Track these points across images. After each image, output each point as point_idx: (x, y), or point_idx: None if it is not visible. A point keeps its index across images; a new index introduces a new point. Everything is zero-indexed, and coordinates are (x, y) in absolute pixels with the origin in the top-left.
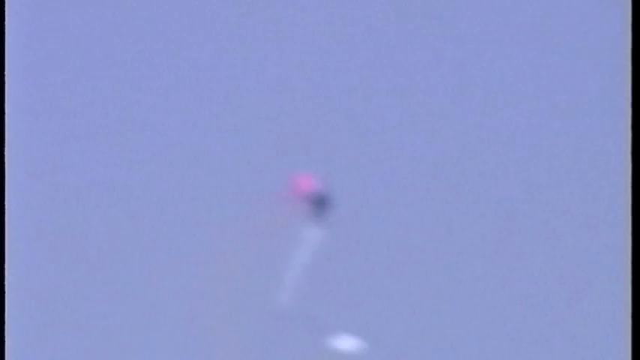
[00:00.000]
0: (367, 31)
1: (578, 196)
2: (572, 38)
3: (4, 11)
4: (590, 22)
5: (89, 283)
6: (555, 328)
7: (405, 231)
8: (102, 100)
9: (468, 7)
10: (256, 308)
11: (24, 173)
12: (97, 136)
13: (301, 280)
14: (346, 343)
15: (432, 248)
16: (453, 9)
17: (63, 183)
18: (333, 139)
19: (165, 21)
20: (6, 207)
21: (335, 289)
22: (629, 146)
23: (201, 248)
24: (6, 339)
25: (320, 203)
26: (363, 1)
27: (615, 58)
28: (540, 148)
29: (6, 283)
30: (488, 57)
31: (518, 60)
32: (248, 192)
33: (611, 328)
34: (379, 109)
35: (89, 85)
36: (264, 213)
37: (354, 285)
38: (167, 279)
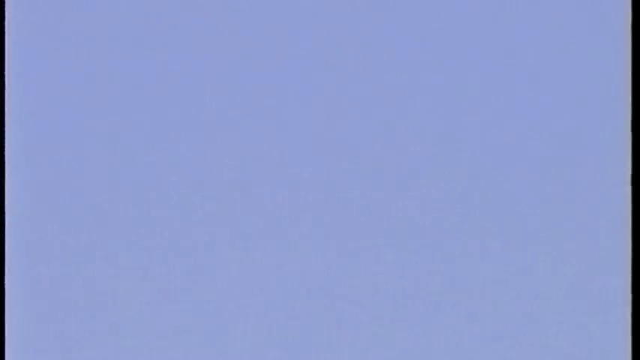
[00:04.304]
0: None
1: (578, 197)
2: (572, 38)
3: (4, 11)
4: (590, 22)
5: (89, 284)
6: (555, 328)
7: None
8: (103, 101)
9: (466, 6)
10: None
11: (24, 173)
12: (99, 137)
13: None
14: None
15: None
16: (451, 8)
17: (63, 184)
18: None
19: (167, 22)
20: (6, 207)
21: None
22: (630, 146)
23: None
24: (6, 339)
25: None
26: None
27: (615, 58)
28: (539, 148)
29: (6, 283)
30: (487, 57)
31: (517, 60)
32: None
33: (611, 328)
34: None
35: (90, 86)
36: None
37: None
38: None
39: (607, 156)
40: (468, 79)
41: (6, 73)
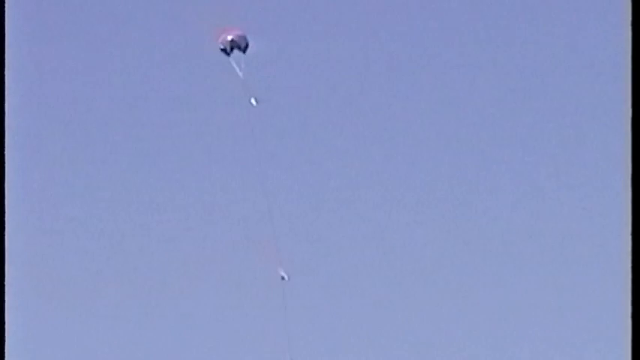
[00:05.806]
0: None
1: (579, 197)
2: (572, 38)
3: (4, 11)
4: (590, 22)
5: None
6: (555, 328)
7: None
8: (101, 101)
9: (469, 6)
10: None
11: (24, 173)
12: (97, 137)
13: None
14: None
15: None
16: (453, 9)
17: (63, 183)
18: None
19: (165, 25)
20: (6, 207)
21: None
22: (629, 146)
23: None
24: (6, 339)
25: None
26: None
27: (615, 58)
28: (540, 148)
29: (6, 282)
30: (488, 58)
31: (518, 60)
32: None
33: (611, 328)
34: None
35: (89, 86)
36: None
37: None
38: (166, 278)
39: (607, 155)
40: (470, 80)
41: (6, 73)
